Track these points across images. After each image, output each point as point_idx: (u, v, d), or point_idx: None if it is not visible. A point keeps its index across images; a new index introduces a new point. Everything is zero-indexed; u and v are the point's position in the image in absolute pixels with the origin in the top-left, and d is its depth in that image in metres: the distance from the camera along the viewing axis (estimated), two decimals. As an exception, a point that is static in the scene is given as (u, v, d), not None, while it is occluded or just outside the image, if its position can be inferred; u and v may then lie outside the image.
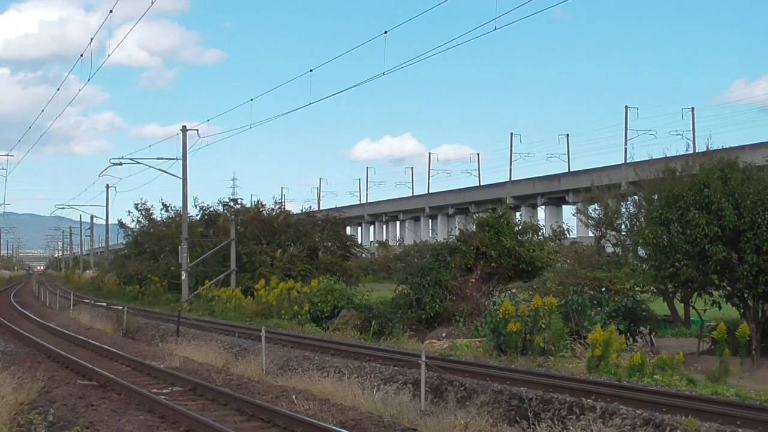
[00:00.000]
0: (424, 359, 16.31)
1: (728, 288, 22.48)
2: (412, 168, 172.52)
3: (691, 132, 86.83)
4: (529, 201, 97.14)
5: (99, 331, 34.18)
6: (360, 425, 14.05)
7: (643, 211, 31.69)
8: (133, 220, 68.65)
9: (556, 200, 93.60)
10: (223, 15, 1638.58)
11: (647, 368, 18.14)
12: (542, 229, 38.33)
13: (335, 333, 30.03)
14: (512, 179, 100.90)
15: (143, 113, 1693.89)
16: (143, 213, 66.59)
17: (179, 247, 49.06)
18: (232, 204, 56.73)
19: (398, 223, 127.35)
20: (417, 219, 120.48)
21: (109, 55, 37.48)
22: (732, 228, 21.25)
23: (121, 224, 75.47)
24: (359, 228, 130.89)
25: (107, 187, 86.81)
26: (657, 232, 22.55)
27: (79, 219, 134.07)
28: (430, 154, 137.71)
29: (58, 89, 43.45)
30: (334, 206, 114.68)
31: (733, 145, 50.56)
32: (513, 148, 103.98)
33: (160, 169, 50.40)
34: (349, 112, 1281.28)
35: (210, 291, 45.22)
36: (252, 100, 41.67)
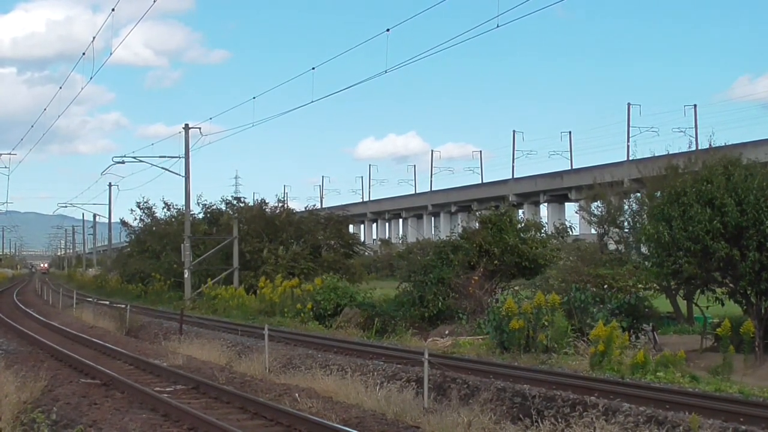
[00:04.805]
0: (427, 357, 16.30)
1: (731, 285, 22.47)
2: (414, 166, 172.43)
3: (694, 129, 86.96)
4: (531, 198, 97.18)
5: (102, 329, 34.18)
6: (363, 423, 14.03)
7: (645, 208, 31.69)
8: (135, 219, 68.75)
9: (558, 198, 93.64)
10: (228, 15, 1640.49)
11: (650, 365, 18.11)
12: (545, 226, 38.35)
13: (338, 331, 30.03)
14: (515, 177, 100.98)
15: (148, 113, 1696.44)
16: (145, 211, 66.66)
17: (182, 245, 49.09)
18: (234, 202, 56.88)
19: (401, 220, 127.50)
20: (420, 217, 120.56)
21: (111, 54, 37.22)
22: (734, 224, 21.24)
23: (123, 222, 75.51)
24: (362, 226, 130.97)
25: (110, 185, 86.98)
26: (658, 228, 22.54)
27: (81, 217, 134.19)
28: (432, 151, 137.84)
29: (60, 87, 43.47)
30: (337, 204, 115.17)
31: (735, 142, 50.66)
32: (515, 146, 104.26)
33: (162, 168, 50.46)
34: (352, 110, 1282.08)
35: (213, 289, 45.23)
36: (254, 98, 41.64)
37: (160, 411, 15.09)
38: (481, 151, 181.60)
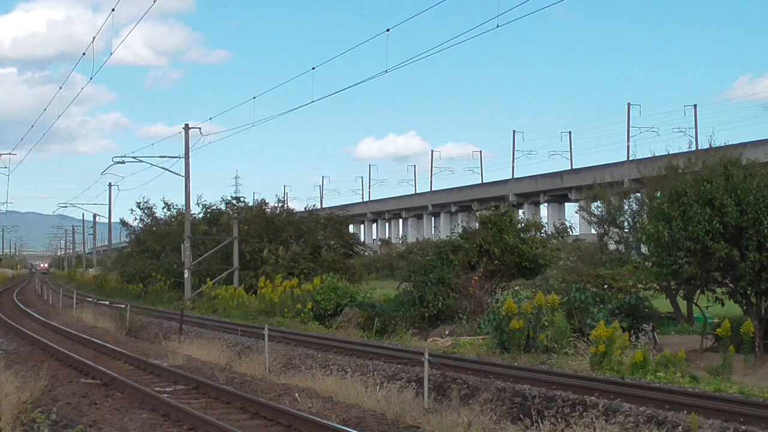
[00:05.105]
0: (427, 357, 16.31)
1: (731, 285, 22.47)
2: (414, 166, 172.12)
3: (694, 129, 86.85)
4: (531, 198, 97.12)
5: (102, 329, 34.19)
6: (363, 423, 14.04)
7: (645, 208, 31.71)
8: (135, 219, 68.76)
9: (558, 198, 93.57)
10: (229, 15, 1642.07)
11: (650, 365, 18.10)
12: (545, 226, 38.33)
13: (338, 331, 30.02)
14: (515, 177, 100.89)
15: (149, 113, 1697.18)
16: (145, 211, 66.67)
17: (182, 245, 49.10)
18: (234, 202, 56.86)
19: (401, 220, 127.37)
20: (420, 217, 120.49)
21: (111, 54, 37.22)
22: (734, 225, 21.24)
23: (123, 222, 75.52)
24: (362, 226, 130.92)
25: (110, 185, 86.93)
26: (658, 228, 22.55)
27: (81, 217, 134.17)
28: (432, 151, 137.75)
29: (61, 87, 43.44)
30: (337, 204, 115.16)
31: (735, 142, 50.69)
32: (516, 146, 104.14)
33: (162, 167, 50.44)
34: (352, 110, 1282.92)
35: (213, 289, 45.24)
36: (255, 98, 41.47)
37: (160, 411, 15.10)
38: (481, 151, 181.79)
